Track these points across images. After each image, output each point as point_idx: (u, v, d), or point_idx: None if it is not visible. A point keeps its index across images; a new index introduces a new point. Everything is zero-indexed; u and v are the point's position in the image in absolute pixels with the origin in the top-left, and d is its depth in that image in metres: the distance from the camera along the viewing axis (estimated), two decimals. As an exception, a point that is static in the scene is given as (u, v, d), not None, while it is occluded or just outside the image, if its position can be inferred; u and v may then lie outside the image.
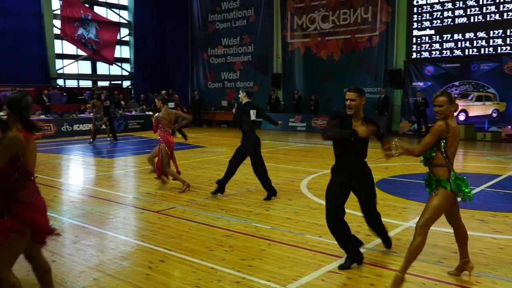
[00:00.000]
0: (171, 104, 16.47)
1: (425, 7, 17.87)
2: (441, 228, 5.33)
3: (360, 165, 4.34)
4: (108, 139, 15.66)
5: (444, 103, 3.73)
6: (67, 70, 23.18)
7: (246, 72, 23.38)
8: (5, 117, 3.18)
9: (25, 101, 3.08)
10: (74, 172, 10.21)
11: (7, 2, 19.96)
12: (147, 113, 20.83)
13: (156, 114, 7.81)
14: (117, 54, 24.56)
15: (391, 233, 5.29)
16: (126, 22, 25.23)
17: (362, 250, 4.79)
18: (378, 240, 5.08)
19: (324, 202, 6.59)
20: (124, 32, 25.18)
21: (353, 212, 6.35)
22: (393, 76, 18.36)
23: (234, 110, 8.00)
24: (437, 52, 17.71)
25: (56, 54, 22.26)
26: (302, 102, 20.52)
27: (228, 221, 5.92)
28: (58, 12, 22.01)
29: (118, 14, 24.96)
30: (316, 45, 20.67)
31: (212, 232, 5.45)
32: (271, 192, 7.14)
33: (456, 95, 17.00)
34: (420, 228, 3.69)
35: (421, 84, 17.88)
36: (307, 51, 20.97)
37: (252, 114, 7.16)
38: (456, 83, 17.13)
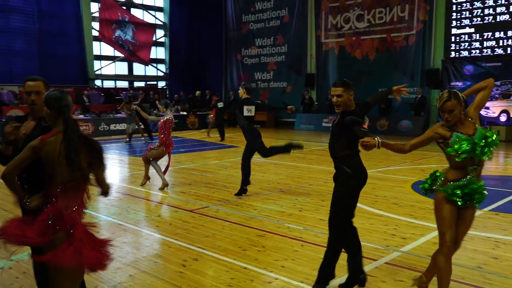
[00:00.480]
0: (220, 104, 16.66)
1: (464, 4, 17.36)
2: (481, 233, 5.17)
3: None
4: (143, 138, 15.99)
5: (455, 106, 3.23)
6: (104, 71, 23.80)
7: (280, 72, 23.35)
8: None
9: (65, 99, 2.85)
10: (110, 170, 10.46)
11: (49, 5, 20.67)
12: (180, 113, 21.13)
13: (169, 117, 8.07)
14: (152, 55, 25.02)
15: (428, 236, 5.18)
16: (161, 23, 25.66)
17: (398, 252, 4.71)
18: (414, 244, 4.98)
19: (358, 204, 6.52)
20: (159, 33, 25.62)
21: (388, 214, 6.24)
22: (431, 76, 17.92)
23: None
24: (477, 51, 17.17)
25: (94, 55, 22.88)
26: (336, 102, 20.27)
27: (261, 221, 5.93)
28: (97, 14, 22.62)
29: (154, 16, 25.42)
30: (350, 45, 20.42)
31: (245, 232, 5.47)
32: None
33: (497, 95, 16.44)
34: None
35: (460, 84, 17.37)
36: (342, 51, 20.75)
37: (246, 110, 7.26)
38: (498, 83, 16.55)
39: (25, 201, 2.75)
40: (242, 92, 7.40)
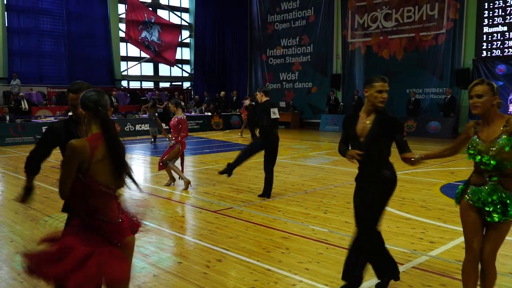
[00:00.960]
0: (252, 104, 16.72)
1: (497, 2, 16.93)
2: (513, 238, 5.03)
3: None
4: (167, 139, 16.14)
5: (486, 92, 3.03)
6: (130, 72, 24.18)
7: (305, 73, 23.27)
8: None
9: (103, 99, 2.66)
10: (135, 170, 10.61)
11: (77, 7, 21.13)
12: (205, 113, 21.28)
13: (180, 116, 8.11)
14: (178, 55, 25.28)
15: (457, 241, 5.06)
16: (187, 24, 25.90)
17: (426, 257, 4.63)
18: (442, 248, 4.88)
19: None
20: (185, 34, 25.86)
21: (415, 217, 6.14)
22: (461, 76, 17.53)
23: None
24: (510, 50, 16.72)
25: (121, 56, 23.26)
26: (362, 103, 20.02)
27: (285, 223, 5.91)
28: (123, 16, 22.99)
29: (180, 17, 25.68)
30: (378, 44, 20.19)
31: (269, 234, 5.46)
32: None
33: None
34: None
35: (491, 84, 16.94)
36: (368, 51, 20.54)
37: (273, 113, 7.20)
38: (531, 83, 16.09)
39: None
40: (260, 96, 7.26)
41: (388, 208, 6.59)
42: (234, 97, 23.07)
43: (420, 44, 18.83)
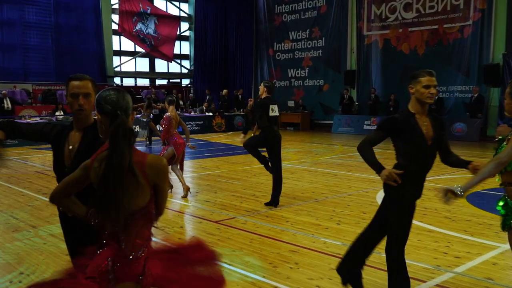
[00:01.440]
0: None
1: (530, -10, 16.89)
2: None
3: None
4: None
5: None
6: (124, 68, 24.29)
7: (316, 69, 23.27)
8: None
9: (123, 101, 2.34)
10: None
11: (65, -3, 21.31)
12: (206, 114, 21.32)
13: (168, 114, 8.27)
14: (176, 50, 25.38)
15: (486, 256, 5.02)
16: (186, 15, 26.01)
17: (450, 273, 4.59)
18: (469, 264, 4.84)
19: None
20: (184, 26, 25.97)
21: (439, 229, 6.10)
22: (489, 72, 17.46)
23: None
24: (545, 44, 16.65)
25: (114, 50, 23.38)
26: (380, 102, 20.08)
27: (294, 235, 5.89)
28: (116, 6, 23.13)
29: (178, 8, 25.80)
30: (396, 38, 20.16)
31: (276, 247, 5.44)
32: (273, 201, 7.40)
33: None
34: None
35: (524, 81, 16.87)
36: (386, 45, 20.51)
37: (271, 110, 7.33)
38: None
39: (90, 219, 2.42)
40: (262, 90, 7.47)
41: (408, 219, 6.58)
42: (240, 96, 23.08)
43: (444, 37, 18.77)
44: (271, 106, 7.33)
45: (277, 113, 7.45)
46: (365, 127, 19.69)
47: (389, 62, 20.33)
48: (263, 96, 7.47)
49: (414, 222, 6.27)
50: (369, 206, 7.33)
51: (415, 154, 3.46)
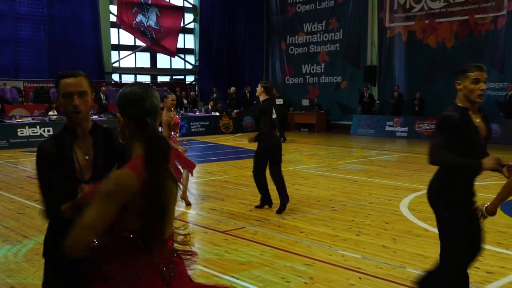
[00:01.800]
0: (279, 101, 16.70)
1: None
2: None
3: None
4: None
5: None
6: (123, 64, 24.42)
7: (333, 64, 23.23)
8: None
9: (151, 100, 2.17)
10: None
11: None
12: (212, 113, 21.37)
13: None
14: (180, 44, 25.46)
15: (521, 272, 4.99)
16: (190, 6, 26.10)
17: (481, 291, 4.56)
18: (503, 280, 4.81)
19: (431, 228, 6.35)
20: (188, 18, 26.05)
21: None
22: (526, 68, 17.37)
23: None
24: None
25: (112, 44, 23.49)
26: (404, 101, 20.00)
27: (308, 247, 5.89)
28: (115, -4, 23.26)
29: (182, -3, 25.89)
30: (422, 30, 20.08)
31: (289, 260, 5.44)
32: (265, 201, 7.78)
33: None
34: None
35: None
36: (411, 37, 20.43)
37: (272, 113, 7.62)
38: None
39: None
40: (260, 91, 7.66)
41: (435, 230, 6.53)
42: (248, 94, 23.11)
43: (475, 28, 18.68)
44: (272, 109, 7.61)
45: (275, 115, 7.70)
46: (387, 128, 19.61)
47: (414, 56, 20.25)
48: (262, 98, 7.67)
49: (442, 233, 6.25)
50: (391, 216, 7.30)
51: (471, 154, 3.40)
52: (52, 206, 2.58)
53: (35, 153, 2.72)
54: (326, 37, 23.49)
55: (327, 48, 23.45)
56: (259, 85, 7.78)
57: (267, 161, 7.66)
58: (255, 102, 22.27)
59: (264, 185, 7.72)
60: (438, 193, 3.62)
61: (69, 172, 2.59)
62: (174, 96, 8.30)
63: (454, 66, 18.75)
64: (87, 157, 2.63)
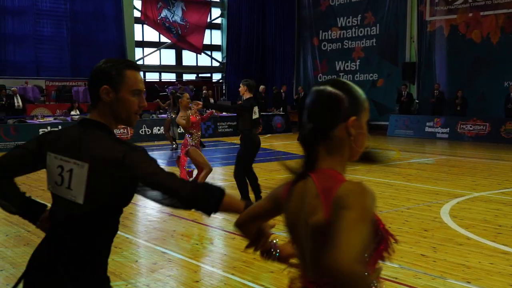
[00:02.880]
0: None
1: None
2: None
3: None
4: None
5: None
6: (147, 61, 24.68)
7: (369, 61, 23.10)
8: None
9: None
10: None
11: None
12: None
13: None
14: (206, 40, 25.62)
15: None
16: (218, 0, 26.24)
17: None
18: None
19: (473, 236, 6.27)
20: (215, 13, 26.20)
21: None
22: None
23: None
24: None
25: (136, 41, 23.77)
26: (445, 100, 19.76)
27: (342, 255, 5.86)
28: (139, -9, 23.56)
29: (209, -9, 26.08)
30: (466, 23, 19.82)
31: (321, 268, 5.42)
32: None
33: None
34: None
35: None
36: (453, 32, 20.19)
37: (253, 112, 7.95)
38: None
39: None
40: (243, 90, 7.96)
41: (479, 239, 6.44)
42: (283, 94, 23.04)
43: (523, 22, 18.38)
44: (253, 108, 7.94)
45: (257, 115, 8.05)
46: (427, 129, 19.38)
47: (456, 52, 20.00)
48: (246, 97, 7.97)
49: (486, 242, 6.18)
50: (431, 223, 7.23)
51: None
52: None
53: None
54: (361, 32, 23.35)
55: (363, 43, 23.31)
56: (241, 84, 8.06)
57: (252, 161, 8.16)
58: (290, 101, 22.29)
59: (246, 185, 8.18)
60: None
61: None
62: (187, 94, 8.65)
63: (499, 63, 18.53)
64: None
